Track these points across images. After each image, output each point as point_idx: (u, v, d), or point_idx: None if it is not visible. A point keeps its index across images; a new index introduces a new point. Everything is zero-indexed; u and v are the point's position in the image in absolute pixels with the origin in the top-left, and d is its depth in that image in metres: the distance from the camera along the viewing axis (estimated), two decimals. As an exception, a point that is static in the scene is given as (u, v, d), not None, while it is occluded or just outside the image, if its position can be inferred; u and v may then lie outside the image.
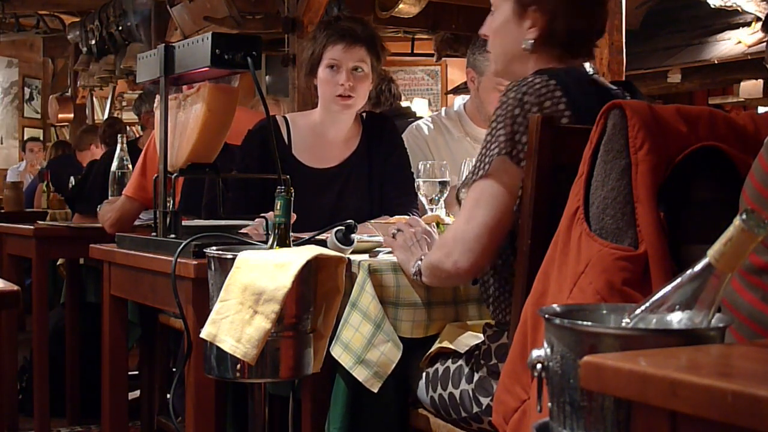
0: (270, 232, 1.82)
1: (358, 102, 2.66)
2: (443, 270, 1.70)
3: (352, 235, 1.95)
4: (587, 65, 1.77)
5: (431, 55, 7.68)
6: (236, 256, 1.70)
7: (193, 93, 2.10)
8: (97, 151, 6.18)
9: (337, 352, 1.81)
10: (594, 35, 1.79)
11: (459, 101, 4.15)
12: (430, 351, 1.86)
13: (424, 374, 1.87)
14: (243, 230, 2.26)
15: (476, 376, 1.75)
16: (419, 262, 1.80)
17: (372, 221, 2.37)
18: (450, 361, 1.83)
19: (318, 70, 2.65)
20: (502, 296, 1.73)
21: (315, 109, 2.77)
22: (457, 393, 1.77)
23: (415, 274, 1.80)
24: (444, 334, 1.88)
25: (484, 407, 1.72)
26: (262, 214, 2.27)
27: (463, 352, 1.80)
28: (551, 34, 1.73)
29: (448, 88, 8.92)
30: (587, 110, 1.65)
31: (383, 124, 2.82)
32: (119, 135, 3.42)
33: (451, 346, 1.83)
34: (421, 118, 3.44)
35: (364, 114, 2.80)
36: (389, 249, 1.97)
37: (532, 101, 1.62)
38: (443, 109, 3.22)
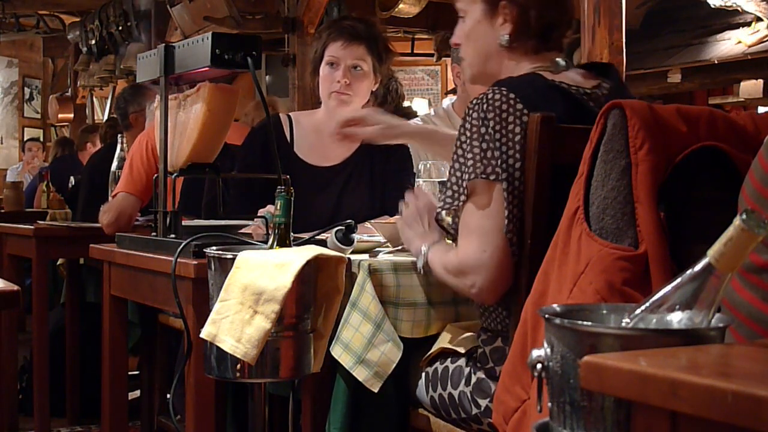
0: (270, 232, 1.82)
1: (356, 100, 2.66)
2: (466, 294, 1.71)
3: (352, 235, 1.95)
4: (559, 60, 1.78)
5: (431, 55, 7.69)
6: (236, 256, 1.70)
7: (193, 93, 2.10)
8: (93, 150, 6.19)
9: (337, 352, 1.81)
10: (566, 27, 1.82)
11: (447, 101, 4.19)
12: (430, 351, 1.86)
13: (423, 374, 1.87)
14: (244, 230, 2.26)
15: (474, 378, 1.75)
16: (425, 252, 1.77)
17: (372, 221, 2.37)
18: (449, 361, 1.82)
19: (319, 68, 2.66)
20: (482, 307, 1.74)
21: (319, 108, 2.78)
22: (456, 393, 1.77)
23: (422, 268, 1.79)
24: (444, 334, 1.88)
25: (483, 409, 1.72)
26: (261, 212, 2.27)
27: (463, 352, 1.80)
28: (525, 26, 1.77)
29: (448, 88, 8.92)
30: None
31: None
32: (119, 135, 3.42)
33: (451, 347, 1.83)
34: None
35: None
36: (390, 242, 1.97)
37: (492, 117, 1.63)
38: (432, 108, 3.25)
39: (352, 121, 2.28)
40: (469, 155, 1.65)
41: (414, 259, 1.86)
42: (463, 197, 1.67)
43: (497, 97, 1.65)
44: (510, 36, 1.77)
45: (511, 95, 1.65)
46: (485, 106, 1.65)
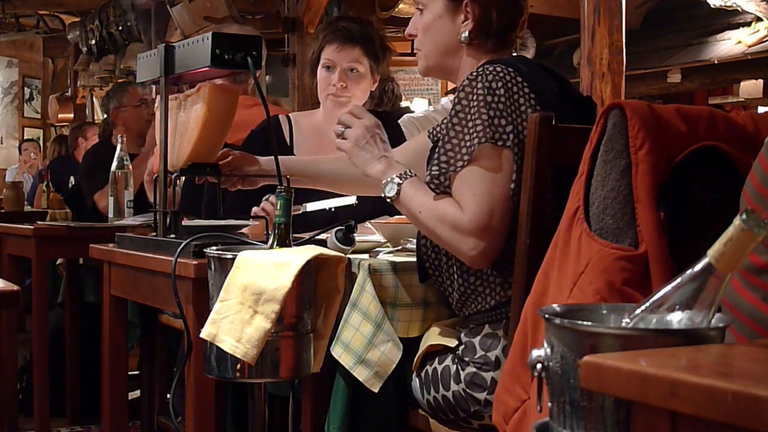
0: (270, 232, 1.82)
1: (353, 101, 2.68)
2: (458, 253, 1.71)
3: (352, 235, 1.95)
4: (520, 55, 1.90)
5: (431, 55, 7.64)
6: (236, 256, 1.70)
7: (194, 93, 2.09)
8: (84, 144, 6.21)
9: (337, 352, 1.81)
10: (521, 27, 1.90)
11: (445, 100, 4.23)
12: (418, 353, 1.85)
13: (416, 377, 1.87)
14: (242, 230, 2.26)
15: (464, 374, 1.74)
16: (399, 183, 1.76)
17: (372, 221, 2.37)
18: (437, 361, 1.82)
19: (317, 70, 2.68)
20: (469, 289, 1.75)
21: (318, 108, 2.79)
22: (449, 394, 1.77)
23: (393, 196, 1.78)
24: (429, 333, 1.87)
25: (482, 403, 1.72)
26: (255, 211, 2.28)
27: (452, 346, 1.79)
28: (486, 26, 1.84)
29: (448, 88, 8.92)
30: (550, 93, 1.75)
31: (386, 123, 2.82)
32: (119, 136, 3.42)
33: (438, 342, 1.82)
34: None
35: None
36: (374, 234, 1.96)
37: (500, 86, 1.68)
38: (432, 106, 3.26)
39: None
40: (478, 121, 1.67)
41: (413, 259, 1.86)
42: (461, 163, 1.68)
43: (499, 70, 1.70)
44: (470, 34, 1.84)
45: (510, 69, 1.70)
46: (489, 77, 1.69)
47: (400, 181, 1.77)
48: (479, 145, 1.66)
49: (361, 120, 1.89)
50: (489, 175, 1.67)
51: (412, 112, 4.65)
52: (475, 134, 1.67)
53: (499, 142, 1.66)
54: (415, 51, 1.93)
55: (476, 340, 1.73)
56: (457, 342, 1.79)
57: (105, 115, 4.74)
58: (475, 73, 1.72)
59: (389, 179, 1.79)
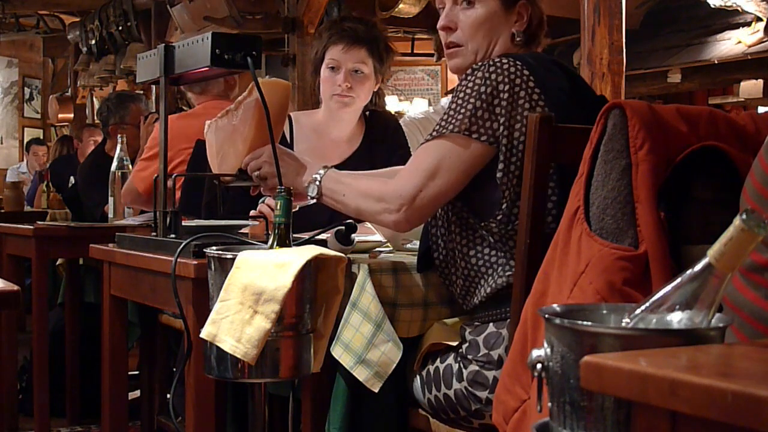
0: (270, 232, 1.82)
1: (357, 102, 2.68)
2: (378, 221, 1.81)
3: (352, 235, 1.95)
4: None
5: (431, 55, 7.69)
6: (236, 256, 1.69)
7: (246, 95, 2.05)
8: (80, 146, 6.21)
9: (337, 352, 1.81)
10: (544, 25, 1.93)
11: (445, 100, 4.23)
12: (419, 352, 1.85)
13: (417, 376, 1.87)
14: (252, 213, 2.28)
15: (466, 372, 1.74)
16: (316, 182, 1.86)
17: (372, 221, 2.37)
18: (439, 360, 1.82)
19: (320, 70, 2.67)
20: (472, 271, 1.77)
21: (319, 108, 2.78)
22: (451, 393, 1.77)
23: (317, 196, 1.87)
24: (431, 332, 1.87)
25: (483, 401, 1.72)
26: (253, 214, 2.29)
27: (454, 345, 1.79)
28: (531, 24, 1.87)
29: (448, 88, 8.92)
30: (558, 89, 1.76)
31: (387, 123, 2.83)
32: (119, 136, 3.42)
33: (440, 341, 1.82)
34: None
35: (367, 113, 2.81)
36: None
37: (502, 80, 1.69)
38: (431, 107, 3.26)
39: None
40: (462, 110, 1.71)
41: (414, 259, 1.86)
42: (428, 137, 1.74)
43: (504, 62, 1.72)
44: (521, 32, 1.86)
45: (517, 63, 1.72)
46: (491, 68, 1.71)
47: (319, 180, 1.87)
48: (450, 134, 1.71)
49: (261, 158, 1.95)
50: (442, 158, 1.72)
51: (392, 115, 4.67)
52: (452, 122, 1.71)
53: (474, 135, 1.69)
54: (450, 45, 1.88)
55: (480, 338, 1.74)
56: (459, 340, 1.79)
57: (98, 121, 4.71)
58: (480, 64, 1.74)
59: (309, 182, 1.88)
